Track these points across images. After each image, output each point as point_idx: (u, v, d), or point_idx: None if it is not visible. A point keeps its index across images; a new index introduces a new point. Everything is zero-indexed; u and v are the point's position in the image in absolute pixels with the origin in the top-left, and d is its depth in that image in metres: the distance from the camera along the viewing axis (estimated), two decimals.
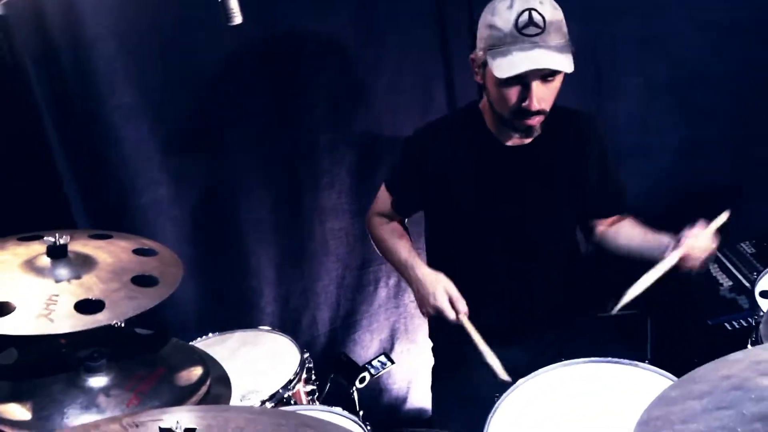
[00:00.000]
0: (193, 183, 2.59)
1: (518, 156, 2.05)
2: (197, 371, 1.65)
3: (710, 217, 2.81)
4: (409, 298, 2.88)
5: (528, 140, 2.04)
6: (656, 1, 2.62)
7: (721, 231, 1.99)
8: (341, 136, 2.67)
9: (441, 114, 2.55)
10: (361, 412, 2.42)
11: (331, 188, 2.71)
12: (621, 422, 1.52)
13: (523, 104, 1.88)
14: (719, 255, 2.71)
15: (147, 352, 1.70)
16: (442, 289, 1.94)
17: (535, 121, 1.93)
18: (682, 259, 1.90)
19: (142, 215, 2.52)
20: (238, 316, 2.70)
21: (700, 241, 1.90)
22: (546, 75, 1.86)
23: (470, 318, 2.00)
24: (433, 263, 2.30)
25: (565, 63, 1.83)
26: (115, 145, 2.41)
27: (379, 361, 2.54)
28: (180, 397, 1.57)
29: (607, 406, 1.60)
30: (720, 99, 2.70)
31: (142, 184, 2.49)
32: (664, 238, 1.98)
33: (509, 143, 2.04)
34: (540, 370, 1.75)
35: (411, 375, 2.95)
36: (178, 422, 1.07)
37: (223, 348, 2.18)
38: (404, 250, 2.13)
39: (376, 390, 2.96)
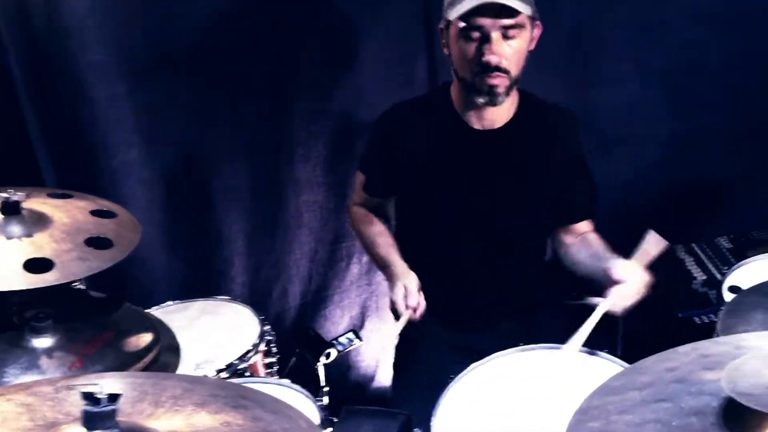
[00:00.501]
0: (166, 147, 2.54)
1: (485, 140, 2.00)
2: (147, 338, 1.62)
3: (696, 210, 2.82)
4: (380, 276, 2.85)
5: (497, 125, 1.99)
6: None
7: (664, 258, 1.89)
8: (320, 108, 2.62)
9: (422, 90, 2.51)
10: (326, 388, 2.40)
11: (306, 160, 2.67)
12: (567, 409, 1.49)
13: (483, 58, 1.83)
14: (695, 248, 2.69)
15: (97, 315, 1.66)
16: (401, 283, 1.93)
17: (497, 80, 1.86)
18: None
19: (112, 177, 2.49)
20: (209, 285, 2.67)
21: (627, 287, 1.80)
22: (506, 27, 1.81)
23: (433, 304, 2.00)
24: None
25: (520, 3, 1.79)
26: (86, 104, 2.36)
27: (346, 337, 2.51)
28: (125, 362, 1.53)
29: (556, 392, 1.58)
30: (712, 91, 2.66)
31: (114, 145, 2.45)
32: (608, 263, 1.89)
33: (477, 126, 1.99)
34: (495, 354, 1.72)
35: (379, 353, 2.93)
36: (101, 386, 1.04)
37: (183, 316, 2.15)
38: (383, 247, 2.10)
39: (344, 367, 2.94)
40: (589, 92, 2.61)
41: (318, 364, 2.42)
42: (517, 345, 1.78)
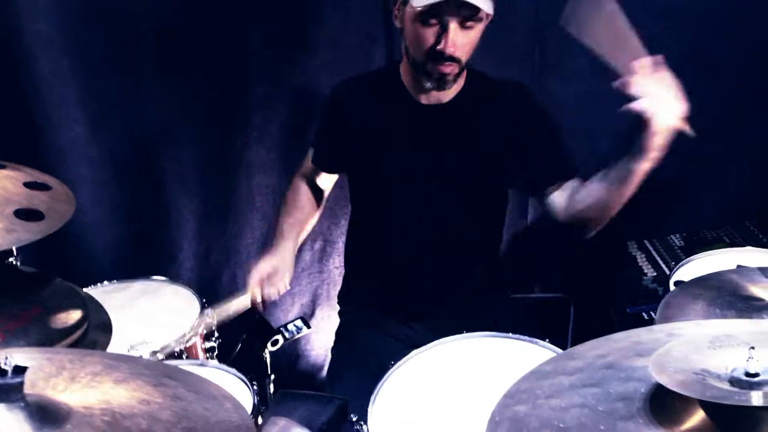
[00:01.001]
0: (114, 125, 2.47)
1: (432, 115, 1.98)
2: (75, 315, 1.56)
3: (647, 206, 2.81)
4: (333, 264, 2.81)
5: (445, 99, 1.97)
6: None
7: None
8: (275, 91, 2.57)
9: None
10: (272, 376, 2.35)
11: (260, 143, 2.62)
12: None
13: (438, 47, 1.82)
14: (647, 245, 2.69)
15: (25, 290, 1.60)
16: (273, 261, 2.00)
17: (449, 69, 1.86)
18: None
19: (58, 154, 2.42)
20: (156, 268, 2.60)
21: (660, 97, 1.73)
22: (465, 18, 1.80)
23: (378, 291, 1.99)
24: (352, 226, 2.25)
25: (484, 1, 1.79)
26: (31, 78, 2.29)
27: (294, 325, 2.45)
28: (51, 339, 1.47)
29: (495, 379, 1.55)
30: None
31: (59, 121, 2.38)
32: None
33: (424, 101, 1.98)
34: (437, 341, 1.69)
35: (329, 342, 2.86)
36: (7, 358, 0.98)
37: (122, 296, 2.09)
38: (290, 221, 2.13)
39: (293, 356, 2.89)
40: (546, 83, 2.58)
41: (265, 351, 2.38)
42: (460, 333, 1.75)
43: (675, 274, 2.03)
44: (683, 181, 2.70)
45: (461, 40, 1.83)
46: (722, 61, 2.57)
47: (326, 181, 2.25)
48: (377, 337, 2.02)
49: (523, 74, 2.52)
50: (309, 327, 2.47)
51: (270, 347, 2.35)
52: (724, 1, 2.54)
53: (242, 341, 2.43)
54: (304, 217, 2.19)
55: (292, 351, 2.88)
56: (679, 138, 2.70)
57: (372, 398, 1.54)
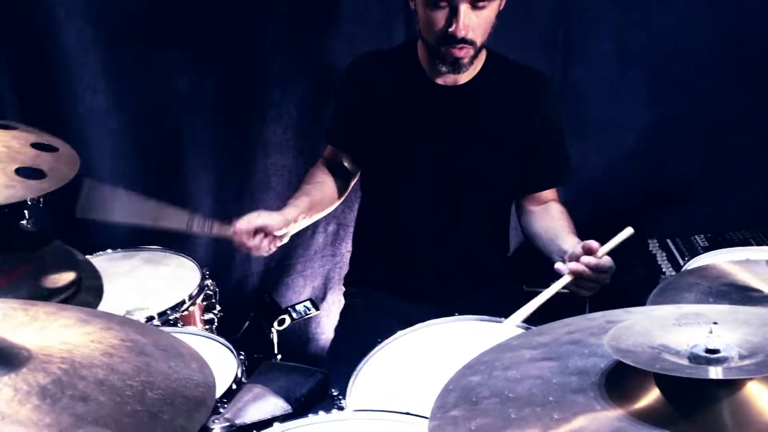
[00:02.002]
0: (134, 97, 2.48)
1: (447, 96, 1.95)
2: (68, 276, 1.58)
3: (670, 204, 2.72)
4: (345, 247, 2.79)
5: (461, 81, 1.93)
6: None
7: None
8: (294, 69, 2.55)
9: None
10: (279, 356, 2.36)
11: (277, 122, 2.60)
12: None
13: (450, 29, 1.78)
14: (670, 244, 2.61)
15: (22, 249, 1.63)
16: (264, 215, 1.92)
17: (462, 52, 1.82)
18: (575, 283, 1.70)
19: (78, 123, 2.43)
20: (170, 242, 2.62)
21: (590, 266, 1.66)
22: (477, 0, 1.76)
23: (385, 265, 1.94)
24: (362, 208, 2.23)
25: None
26: (54, 43, 2.31)
27: (303, 306, 2.46)
28: (40, 296, 1.49)
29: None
30: (698, 80, 2.55)
31: (80, 90, 2.40)
32: (567, 244, 1.80)
33: (440, 82, 1.94)
34: (427, 322, 1.66)
35: None
36: None
37: (127, 264, 2.11)
38: (302, 190, 2.09)
39: (303, 338, 2.88)
40: (568, 70, 2.52)
41: (271, 330, 2.38)
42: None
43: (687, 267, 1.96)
44: (708, 180, 2.62)
45: (474, 22, 1.79)
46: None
47: (348, 171, 2.20)
48: (379, 318, 1.99)
49: (546, 58, 2.47)
50: (318, 309, 2.47)
51: (277, 326, 2.36)
52: None
53: (250, 319, 2.44)
54: (316, 196, 2.11)
55: (302, 333, 2.87)
56: (704, 133, 2.63)
57: (354, 374, 1.52)
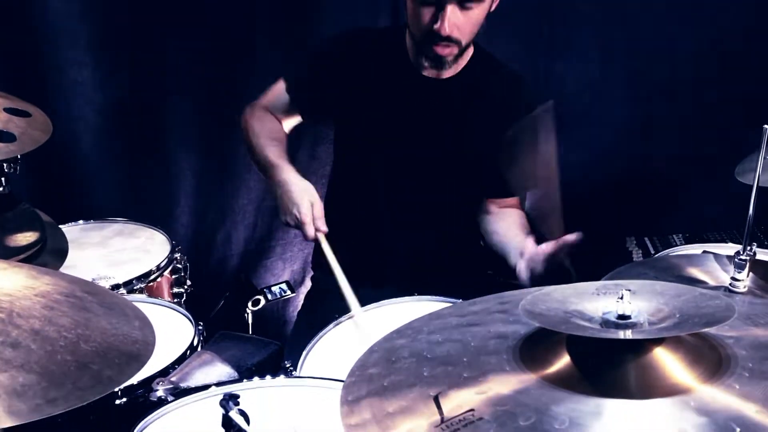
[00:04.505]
0: (120, 73, 2.51)
1: (429, 88, 1.94)
2: (31, 237, 1.60)
3: (647, 202, 2.72)
4: None
5: (445, 75, 1.93)
6: None
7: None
8: (279, 50, 2.57)
9: None
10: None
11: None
12: None
13: (435, 26, 1.76)
14: (647, 242, 2.61)
15: None
16: (308, 202, 1.81)
17: (446, 50, 1.82)
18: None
19: (62, 96, 2.46)
20: (151, 219, 2.64)
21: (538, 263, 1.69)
22: (464, 0, 1.75)
23: (352, 248, 1.92)
24: (331, 187, 2.22)
25: None
26: (42, 14, 2.33)
27: (279, 287, 2.45)
28: (2, 255, 1.51)
29: None
30: (678, 78, 2.56)
31: (66, 63, 2.42)
32: (520, 245, 1.80)
33: (424, 73, 1.93)
34: (385, 301, 1.67)
35: None
36: None
37: (98, 234, 2.12)
38: (273, 149, 1.95)
39: (280, 320, 2.89)
40: (549, 65, 2.53)
41: (246, 310, 2.39)
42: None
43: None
44: (686, 179, 2.62)
45: (460, 21, 1.77)
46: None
47: (289, 123, 2.12)
48: (340, 300, 1.99)
49: (530, 53, 2.47)
50: (294, 291, 2.47)
51: (251, 307, 2.35)
52: None
53: (225, 299, 2.45)
54: (284, 147, 2.01)
55: (279, 316, 2.88)
56: (683, 132, 2.63)
57: (308, 347, 1.53)
